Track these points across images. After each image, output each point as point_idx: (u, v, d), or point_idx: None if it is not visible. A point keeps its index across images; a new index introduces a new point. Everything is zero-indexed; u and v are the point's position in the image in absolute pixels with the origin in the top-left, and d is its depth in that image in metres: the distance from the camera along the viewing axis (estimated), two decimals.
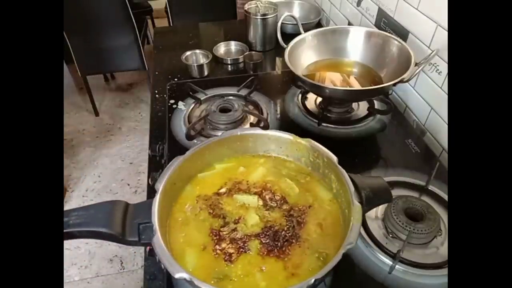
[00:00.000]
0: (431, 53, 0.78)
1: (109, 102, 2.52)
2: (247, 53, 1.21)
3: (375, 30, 1.02)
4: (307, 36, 0.97)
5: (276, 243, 0.51)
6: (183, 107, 0.97)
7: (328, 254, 0.50)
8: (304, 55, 0.97)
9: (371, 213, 0.68)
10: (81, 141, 2.20)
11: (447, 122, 0.83)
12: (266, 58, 1.27)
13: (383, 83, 0.88)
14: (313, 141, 0.58)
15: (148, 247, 0.62)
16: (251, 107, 0.97)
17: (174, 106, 0.98)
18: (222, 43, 1.28)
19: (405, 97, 1.01)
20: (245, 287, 0.47)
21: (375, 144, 0.89)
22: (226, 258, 0.49)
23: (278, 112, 0.98)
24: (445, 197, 0.70)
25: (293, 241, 0.51)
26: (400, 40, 0.88)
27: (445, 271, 0.59)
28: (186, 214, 0.55)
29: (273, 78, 1.18)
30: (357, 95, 0.89)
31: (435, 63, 0.84)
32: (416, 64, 0.80)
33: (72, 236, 0.45)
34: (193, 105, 0.97)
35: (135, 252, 1.59)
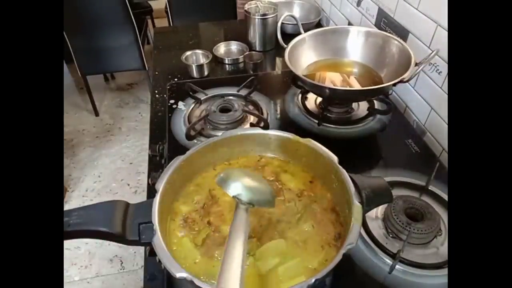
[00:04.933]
0: (431, 53, 0.78)
1: (109, 102, 2.52)
2: (247, 53, 1.21)
3: (375, 30, 1.02)
4: (307, 36, 0.97)
5: None
6: (183, 107, 0.97)
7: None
8: (304, 55, 0.97)
9: (371, 213, 0.68)
10: (81, 141, 2.20)
11: (447, 122, 0.83)
12: (266, 58, 1.27)
13: (383, 83, 0.88)
14: (313, 141, 0.58)
15: (148, 248, 0.62)
16: (251, 107, 0.97)
17: (174, 106, 0.98)
18: (222, 43, 1.28)
19: (405, 97, 1.01)
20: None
21: (375, 144, 0.89)
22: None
23: (278, 112, 0.98)
24: (445, 197, 0.70)
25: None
26: (400, 40, 0.88)
27: (445, 271, 0.59)
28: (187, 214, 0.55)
29: (273, 78, 1.18)
30: (357, 95, 0.89)
31: (435, 63, 0.84)
32: (416, 64, 0.80)
33: (72, 236, 0.45)
34: (193, 105, 0.97)
35: (135, 252, 1.59)
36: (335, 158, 0.55)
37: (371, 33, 0.95)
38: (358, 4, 1.19)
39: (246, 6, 1.27)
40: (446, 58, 0.80)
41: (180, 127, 0.90)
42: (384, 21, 1.05)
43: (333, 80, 0.96)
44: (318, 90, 0.88)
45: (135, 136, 2.23)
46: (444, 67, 0.82)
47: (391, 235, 0.65)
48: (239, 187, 0.46)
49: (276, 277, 0.47)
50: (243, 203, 0.46)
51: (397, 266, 0.59)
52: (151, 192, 0.65)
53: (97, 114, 2.38)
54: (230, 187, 0.46)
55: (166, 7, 2.19)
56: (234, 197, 0.46)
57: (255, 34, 1.27)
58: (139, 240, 0.46)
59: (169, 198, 0.54)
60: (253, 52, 1.23)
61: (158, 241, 0.45)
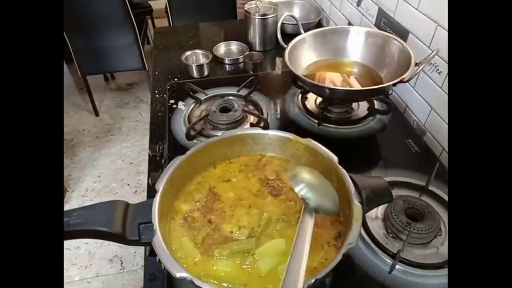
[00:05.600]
0: (431, 53, 0.78)
1: (109, 102, 2.52)
2: (247, 53, 1.21)
3: (375, 30, 1.02)
4: (307, 36, 0.97)
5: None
6: (183, 107, 0.97)
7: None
8: (304, 55, 0.97)
9: (371, 213, 0.68)
10: (81, 141, 2.20)
11: (447, 122, 0.83)
12: (266, 58, 1.27)
13: (383, 83, 0.88)
14: (313, 141, 0.58)
15: (148, 248, 0.62)
16: (251, 107, 0.97)
17: (174, 106, 0.98)
18: (222, 43, 1.28)
19: (405, 97, 1.01)
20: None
21: (375, 144, 0.89)
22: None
23: (278, 112, 0.98)
24: (445, 197, 0.70)
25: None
26: (400, 40, 0.88)
27: (445, 271, 0.59)
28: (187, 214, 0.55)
29: (273, 78, 1.18)
30: (357, 95, 0.89)
31: (435, 63, 0.84)
32: (416, 64, 0.80)
33: (72, 236, 0.45)
34: (193, 105, 0.97)
35: (135, 252, 1.59)
36: (335, 158, 0.55)
37: (371, 33, 0.95)
38: (358, 4, 1.19)
39: (246, 6, 1.27)
40: (446, 58, 0.80)
41: (180, 127, 0.90)
42: (384, 21, 1.05)
43: (333, 80, 0.96)
44: (318, 90, 0.88)
45: (135, 136, 2.23)
46: (444, 67, 0.82)
47: (391, 235, 0.65)
48: (309, 190, 0.47)
49: (277, 277, 0.47)
50: (310, 208, 0.46)
51: (397, 266, 0.59)
52: (151, 192, 0.65)
53: (97, 114, 2.38)
54: (300, 187, 0.47)
55: (166, 7, 2.19)
56: (302, 198, 0.47)
57: (255, 34, 1.27)
58: (139, 240, 0.46)
59: (169, 198, 0.54)
60: (253, 52, 1.23)
61: (158, 241, 0.45)
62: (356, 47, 0.97)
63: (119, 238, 0.46)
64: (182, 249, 0.50)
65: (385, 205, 0.68)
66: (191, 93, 0.99)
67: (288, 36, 0.96)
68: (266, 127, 0.86)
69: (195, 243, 0.51)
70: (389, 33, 0.96)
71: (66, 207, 1.76)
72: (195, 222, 0.54)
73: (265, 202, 0.56)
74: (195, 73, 1.14)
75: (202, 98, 0.98)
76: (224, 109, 0.91)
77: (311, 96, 1.00)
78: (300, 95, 1.00)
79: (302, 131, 0.87)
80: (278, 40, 0.97)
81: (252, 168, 0.62)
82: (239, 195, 0.58)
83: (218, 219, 0.54)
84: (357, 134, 0.89)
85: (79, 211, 0.46)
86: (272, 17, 1.24)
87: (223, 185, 0.59)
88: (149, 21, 2.89)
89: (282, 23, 1.02)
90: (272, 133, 0.62)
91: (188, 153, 0.56)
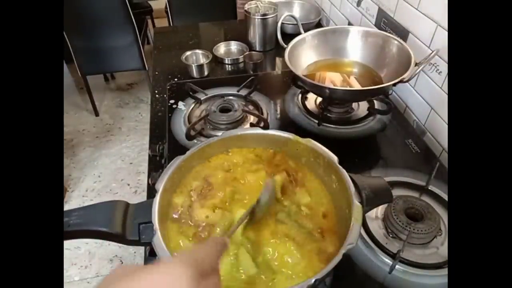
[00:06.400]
0: (431, 53, 0.78)
1: (109, 102, 2.52)
2: (247, 53, 1.21)
3: (375, 30, 1.02)
4: (307, 36, 0.97)
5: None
6: (183, 107, 0.97)
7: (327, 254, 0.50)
8: (304, 55, 0.97)
9: (371, 213, 0.68)
10: (81, 141, 2.20)
11: (447, 122, 0.83)
12: (266, 58, 1.27)
13: (383, 83, 0.88)
14: (313, 141, 0.58)
15: (148, 248, 0.62)
16: (251, 107, 0.97)
17: (174, 106, 0.98)
18: (222, 43, 1.28)
19: (405, 97, 1.01)
20: None
21: (375, 144, 0.89)
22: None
23: (278, 112, 0.98)
24: (445, 197, 0.70)
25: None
26: (400, 40, 0.88)
27: (445, 271, 0.59)
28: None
29: (273, 78, 1.18)
30: (357, 95, 0.89)
31: (435, 63, 0.84)
32: (416, 64, 0.80)
33: (72, 236, 0.45)
34: (193, 105, 0.97)
35: (135, 252, 1.59)
36: (335, 158, 0.55)
37: (371, 33, 0.95)
38: (358, 4, 1.19)
39: (246, 6, 1.27)
40: (446, 58, 0.80)
41: (180, 127, 0.90)
42: (384, 21, 1.05)
43: (333, 80, 0.96)
44: (318, 90, 0.88)
45: (135, 136, 2.23)
46: (444, 67, 0.82)
47: (391, 235, 0.65)
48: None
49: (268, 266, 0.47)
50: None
51: (397, 266, 0.59)
52: (151, 192, 0.65)
53: (97, 114, 2.38)
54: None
55: (166, 7, 2.19)
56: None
57: (255, 34, 1.27)
58: (139, 240, 0.46)
59: (169, 198, 0.54)
60: (253, 52, 1.23)
61: (158, 241, 0.45)
62: (356, 47, 0.97)
63: (119, 238, 0.46)
64: (180, 247, 0.50)
65: (385, 205, 0.68)
66: (191, 93, 0.99)
67: (288, 36, 0.96)
68: (266, 127, 0.86)
69: (188, 238, 0.51)
70: (389, 33, 0.96)
71: (66, 207, 1.76)
72: (186, 216, 0.53)
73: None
74: (195, 73, 1.14)
75: (202, 98, 0.98)
76: (224, 109, 0.91)
77: (311, 96, 1.00)
78: (300, 95, 1.00)
79: (302, 131, 0.87)
80: (278, 40, 0.97)
81: (265, 164, 0.61)
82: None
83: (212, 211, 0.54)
84: (357, 134, 0.89)
85: (79, 211, 0.46)
86: (272, 17, 1.24)
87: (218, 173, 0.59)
88: (149, 21, 2.89)
89: (282, 23, 1.02)
90: (272, 133, 0.62)
91: (188, 153, 0.56)
